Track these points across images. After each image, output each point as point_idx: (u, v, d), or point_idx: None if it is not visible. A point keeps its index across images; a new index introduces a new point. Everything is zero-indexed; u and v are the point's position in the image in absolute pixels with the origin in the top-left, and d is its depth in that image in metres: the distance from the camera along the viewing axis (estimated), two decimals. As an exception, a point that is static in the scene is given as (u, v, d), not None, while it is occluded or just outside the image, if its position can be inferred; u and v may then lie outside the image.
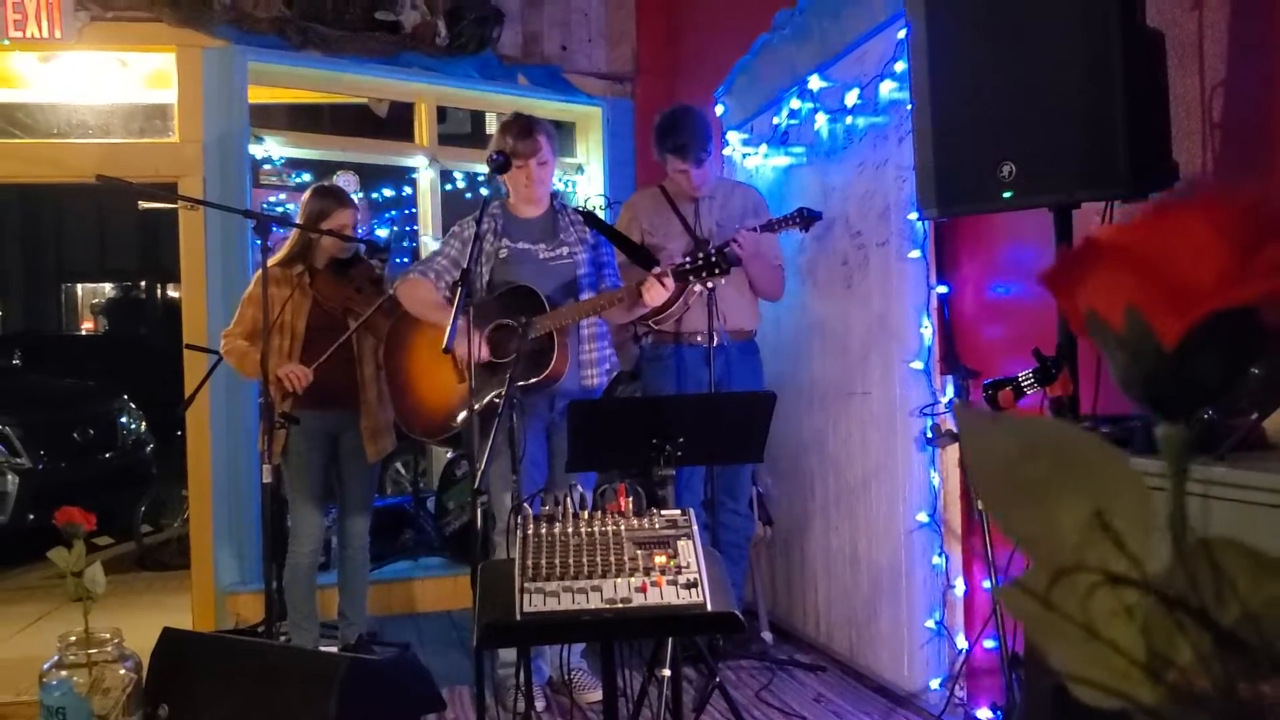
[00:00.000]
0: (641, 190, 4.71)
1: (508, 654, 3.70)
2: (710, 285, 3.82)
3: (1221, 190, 0.43)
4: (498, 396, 3.32)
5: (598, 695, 3.56)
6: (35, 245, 17.27)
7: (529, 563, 2.20)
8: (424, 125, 6.03)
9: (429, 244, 5.88)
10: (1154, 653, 0.40)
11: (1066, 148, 2.35)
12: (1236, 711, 0.40)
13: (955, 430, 3.34)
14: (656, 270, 3.50)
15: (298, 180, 6.20)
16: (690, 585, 2.18)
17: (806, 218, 4.00)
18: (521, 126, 3.80)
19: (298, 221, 4.19)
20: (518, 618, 2.13)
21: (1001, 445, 0.47)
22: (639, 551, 2.24)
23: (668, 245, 4.20)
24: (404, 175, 6.73)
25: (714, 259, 3.39)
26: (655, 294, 3.50)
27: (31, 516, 6.35)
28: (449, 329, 3.12)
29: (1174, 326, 0.42)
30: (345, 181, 6.24)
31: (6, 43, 5.00)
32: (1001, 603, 0.44)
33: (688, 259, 3.48)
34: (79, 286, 18.45)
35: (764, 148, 4.80)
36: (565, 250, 3.82)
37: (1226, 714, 0.40)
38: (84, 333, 17.03)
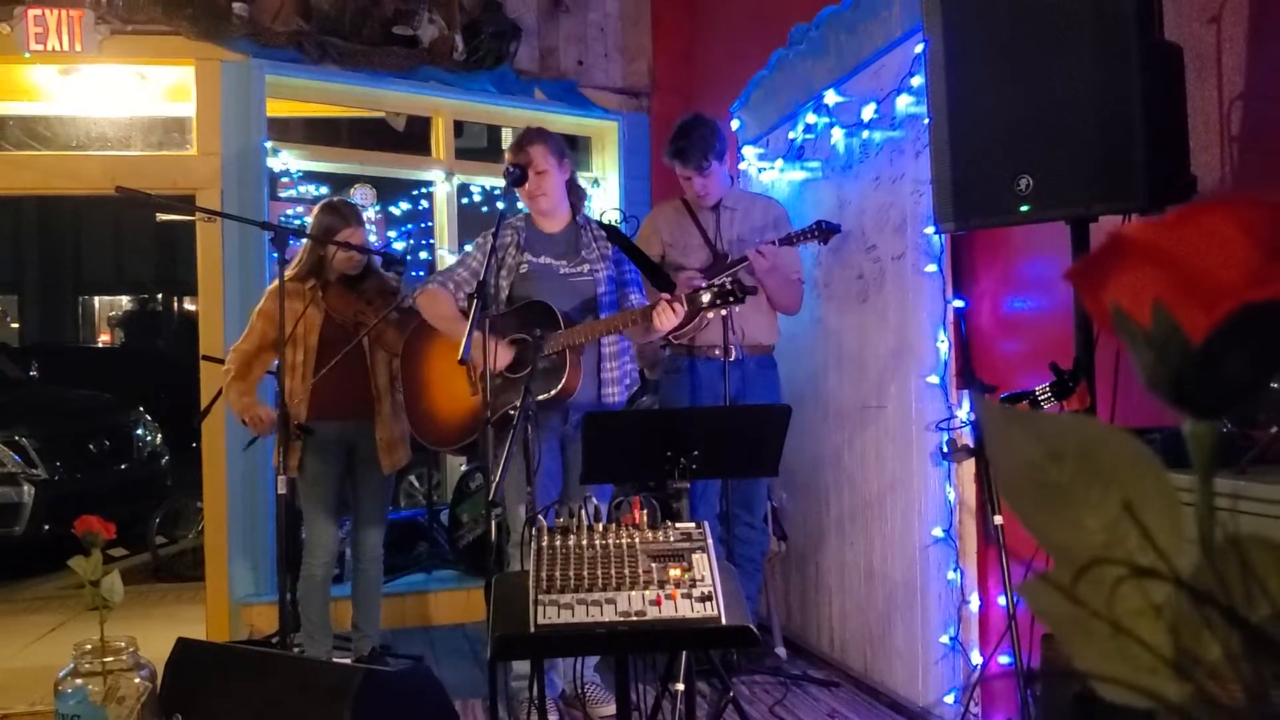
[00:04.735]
0: (664, 202, 4.70)
1: (521, 667, 3.70)
2: (725, 313, 3.79)
3: (1248, 194, 0.43)
4: (512, 409, 3.31)
5: (611, 709, 3.55)
6: (53, 257, 17.40)
7: (543, 575, 2.19)
8: (441, 139, 6.06)
9: (445, 258, 5.90)
10: (1182, 650, 0.39)
11: (1084, 161, 2.34)
12: (1267, 714, 0.39)
13: (971, 445, 3.32)
14: (666, 296, 3.44)
15: (316, 193, 6.23)
16: (705, 599, 2.18)
17: (825, 231, 4.00)
18: (516, 141, 3.84)
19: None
20: (532, 630, 2.12)
21: (1026, 447, 0.46)
22: (654, 564, 2.23)
23: (687, 258, 4.20)
24: (421, 189, 6.76)
25: (730, 289, 3.34)
26: (665, 319, 3.42)
27: (47, 527, 6.38)
28: (464, 341, 3.13)
29: (1201, 322, 0.42)
30: (361, 195, 6.27)
31: (28, 55, 5.05)
32: (1026, 600, 0.44)
33: (703, 284, 3.44)
34: (96, 299, 18.59)
35: (780, 162, 4.80)
36: (586, 267, 3.80)
37: (1256, 716, 0.40)
38: (101, 345, 17.14)
